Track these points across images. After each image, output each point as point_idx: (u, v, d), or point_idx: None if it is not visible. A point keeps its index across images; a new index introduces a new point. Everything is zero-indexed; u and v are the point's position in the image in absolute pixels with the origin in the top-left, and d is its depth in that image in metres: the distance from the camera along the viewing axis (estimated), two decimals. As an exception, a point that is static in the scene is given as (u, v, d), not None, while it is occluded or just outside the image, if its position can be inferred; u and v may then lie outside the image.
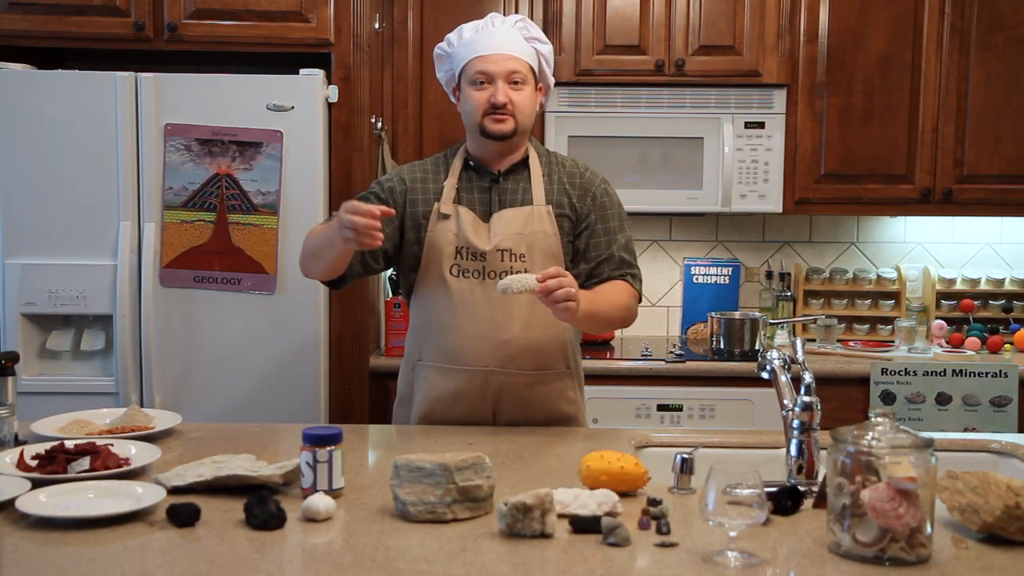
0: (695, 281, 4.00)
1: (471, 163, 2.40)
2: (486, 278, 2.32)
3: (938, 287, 3.94)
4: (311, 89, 3.18)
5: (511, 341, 2.32)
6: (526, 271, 2.28)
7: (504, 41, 2.33)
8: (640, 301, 2.41)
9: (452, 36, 2.41)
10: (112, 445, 1.98)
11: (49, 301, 3.16)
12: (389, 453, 2.18)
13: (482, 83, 2.32)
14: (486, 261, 2.33)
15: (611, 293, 2.34)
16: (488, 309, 2.31)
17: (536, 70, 2.38)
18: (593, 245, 2.37)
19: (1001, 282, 3.96)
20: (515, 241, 2.33)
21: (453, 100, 2.45)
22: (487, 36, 2.34)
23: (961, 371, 3.45)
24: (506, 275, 2.22)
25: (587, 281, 2.35)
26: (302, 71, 3.19)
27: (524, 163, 2.40)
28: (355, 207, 2.07)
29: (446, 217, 2.35)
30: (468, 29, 2.38)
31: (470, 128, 2.38)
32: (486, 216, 2.37)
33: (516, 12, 3.62)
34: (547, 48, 2.40)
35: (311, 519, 1.68)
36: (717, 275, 3.99)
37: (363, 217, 2.05)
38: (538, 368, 2.37)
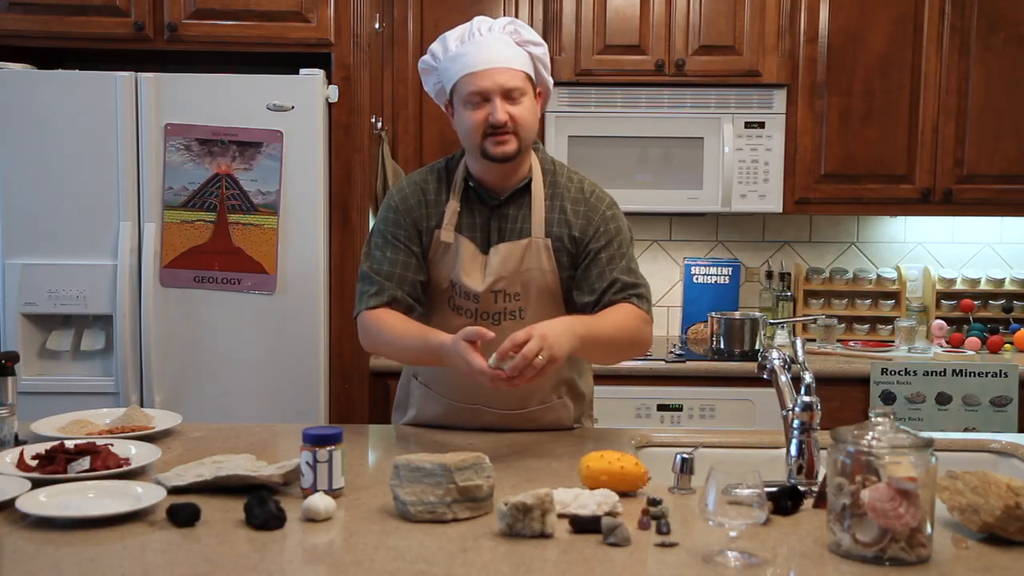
0: (695, 281, 4.00)
1: (471, 184, 2.25)
2: (479, 319, 2.22)
3: (938, 287, 3.94)
4: (311, 89, 3.18)
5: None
6: (520, 310, 2.21)
7: (495, 52, 2.13)
8: (651, 323, 2.23)
9: (436, 48, 2.21)
10: (112, 445, 1.97)
11: (49, 301, 3.16)
12: (389, 453, 2.17)
13: (477, 103, 2.14)
14: (479, 303, 2.21)
15: (612, 316, 2.15)
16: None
17: (533, 76, 2.19)
18: (597, 276, 2.20)
19: (1001, 282, 3.96)
20: (510, 281, 2.20)
21: (449, 116, 2.27)
22: (475, 48, 2.14)
23: (961, 371, 3.45)
24: (500, 317, 2.21)
25: (594, 310, 2.20)
26: (302, 71, 3.19)
27: (527, 186, 2.24)
28: (467, 347, 1.95)
29: (446, 247, 2.23)
30: (453, 39, 2.18)
31: (470, 150, 2.21)
32: (486, 246, 2.23)
33: (516, 12, 3.63)
34: (541, 50, 2.20)
35: (311, 519, 1.68)
36: (717, 275, 3.99)
37: (476, 360, 1.95)
38: (527, 406, 2.30)
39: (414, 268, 2.25)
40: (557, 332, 1.95)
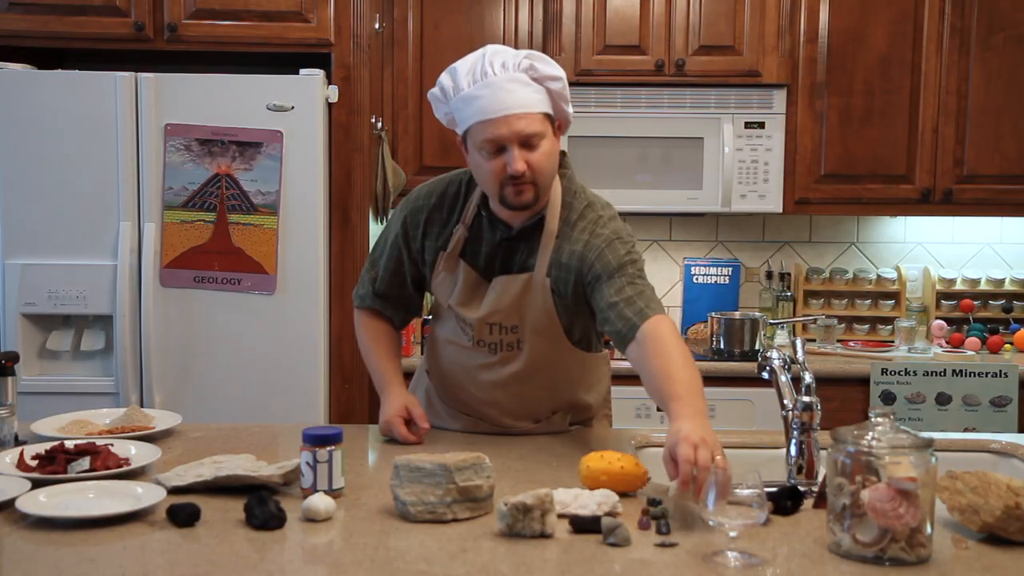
0: (695, 281, 4.00)
1: (483, 213, 2.16)
2: (475, 345, 2.21)
3: (938, 287, 3.94)
4: (311, 89, 3.18)
5: (496, 404, 2.26)
6: (518, 342, 2.17)
7: (511, 97, 1.99)
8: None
9: (446, 82, 2.08)
10: (112, 445, 1.97)
11: (49, 301, 3.16)
12: (389, 453, 2.17)
13: (493, 151, 2.02)
14: (474, 331, 2.19)
15: (671, 352, 1.95)
16: (474, 372, 2.22)
17: (551, 112, 2.06)
18: (609, 305, 2.03)
19: (1001, 282, 3.96)
20: (506, 314, 2.15)
21: (462, 151, 2.15)
22: (490, 92, 2.00)
23: (961, 371, 3.45)
24: (496, 347, 2.19)
25: (622, 333, 2.02)
26: (302, 71, 3.19)
27: (540, 220, 2.13)
28: (395, 432, 2.22)
29: (448, 273, 2.19)
30: (464, 76, 2.04)
31: (487, 194, 2.13)
32: (489, 275, 2.17)
33: (516, 13, 3.63)
34: (560, 84, 2.05)
35: (311, 519, 1.68)
36: (717, 275, 3.99)
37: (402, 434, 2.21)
38: (525, 426, 2.29)
39: (395, 295, 2.32)
40: (695, 423, 1.74)
